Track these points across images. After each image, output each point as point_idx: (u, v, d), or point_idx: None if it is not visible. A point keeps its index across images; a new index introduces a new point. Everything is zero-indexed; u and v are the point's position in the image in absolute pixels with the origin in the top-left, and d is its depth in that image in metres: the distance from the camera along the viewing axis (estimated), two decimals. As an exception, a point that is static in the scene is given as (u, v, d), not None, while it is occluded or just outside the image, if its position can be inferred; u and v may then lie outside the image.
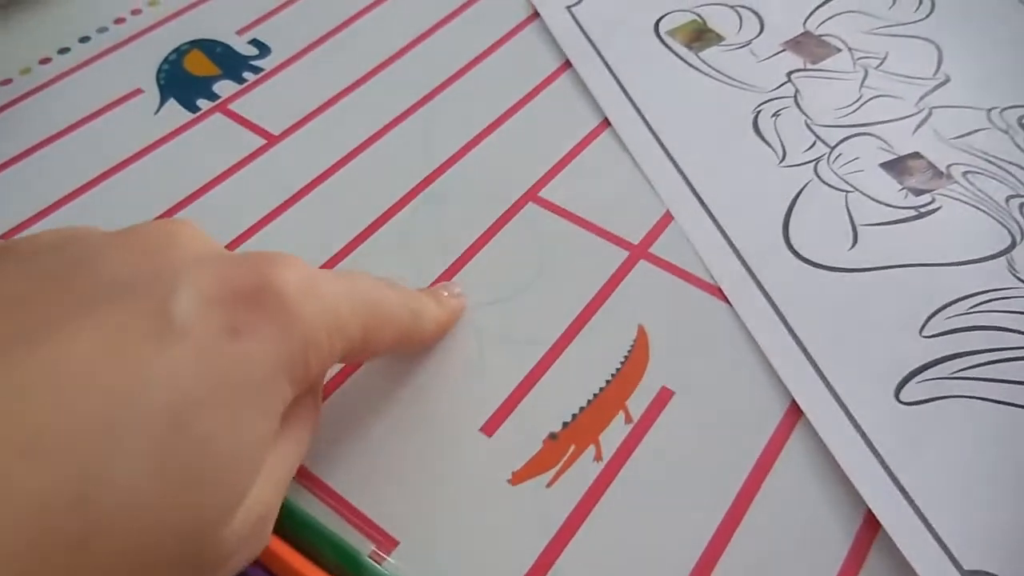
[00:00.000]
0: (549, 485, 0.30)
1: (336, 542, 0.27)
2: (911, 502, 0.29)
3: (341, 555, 0.27)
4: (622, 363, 0.34)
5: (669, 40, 0.49)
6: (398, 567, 0.27)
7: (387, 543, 0.29)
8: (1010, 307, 0.36)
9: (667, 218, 0.39)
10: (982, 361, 0.34)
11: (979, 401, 0.32)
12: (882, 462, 0.30)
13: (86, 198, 0.41)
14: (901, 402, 0.32)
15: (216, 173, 0.42)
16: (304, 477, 0.30)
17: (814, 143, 0.43)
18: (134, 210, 0.40)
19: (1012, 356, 0.34)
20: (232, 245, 0.38)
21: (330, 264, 0.38)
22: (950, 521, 0.29)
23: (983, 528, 0.29)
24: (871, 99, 0.46)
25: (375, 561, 0.27)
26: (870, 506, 0.29)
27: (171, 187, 0.41)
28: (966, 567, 0.28)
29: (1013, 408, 0.32)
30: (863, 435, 0.31)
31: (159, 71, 0.48)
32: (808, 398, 0.32)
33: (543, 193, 0.40)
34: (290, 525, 0.27)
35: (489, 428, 0.32)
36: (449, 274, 0.37)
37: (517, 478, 0.30)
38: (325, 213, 0.40)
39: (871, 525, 0.29)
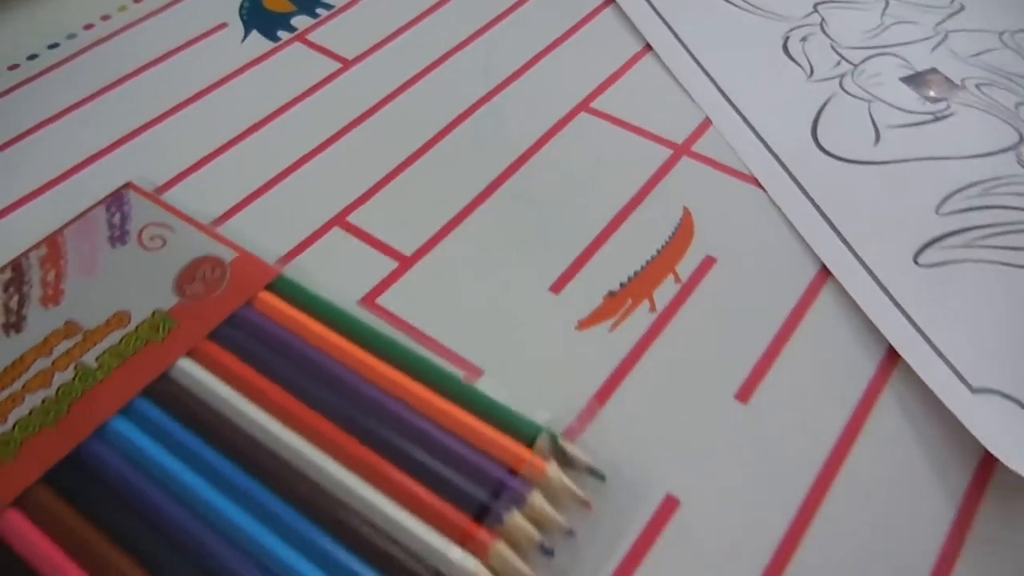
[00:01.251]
0: (611, 330, 0.35)
1: (437, 368, 0.32)
2: (925, 338, 0.34)
3: (442, 377, 0.32)
4: (671, 236, 0.38)
5: (704, -23, 0.54)
6: (488, 386, 0.32)
7: (474, 372, 0.33)
8: (1016, 191, 0.40)
9: (706, 123, 0.44)
10: (990, 233, 0.38)
11: (987, 264, 0.37)
12: (900, 308, 0.35)
13: (181, 116, 0.46)
14: (919, 264, 0.37)
15: (296, 94, 0.47)
16: (406, 327, 0.35)
17: (839, 62, 0.47)
18: (224, 127, 0.45)
19: (1016, 229, 0.38)
20: (309, 156, 0.43)
21: (401, 167, 0.42)
22: (959, 351, 0.33)
23: (988, 356, 0.33)
24: (892, 25, 0.50)
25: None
26: (890, 341, 0.34)
27: (256, 107, 0.46)
28: (975, 385, 0.32)
29: (1016, 268, 0.36)
30: (883, 288, 0.36)
31: (241, 8, 0.53)
32: (836, 262, 0.37)
33: (595, 104, 0.45)
34: (399, 357, 0.32)
35: (556, 287, 0.36)
36: (511, 170, 0.42)
37: (583, 325, 0.35)
38: (396, 126, 0.45)
39: (892, 358, 0.34)
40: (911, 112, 0.44)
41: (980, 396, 0.32)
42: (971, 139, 0.42)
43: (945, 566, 0.28)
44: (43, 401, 0.31)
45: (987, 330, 0.34)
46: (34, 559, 0.27)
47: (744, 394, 0.33)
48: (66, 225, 0.38)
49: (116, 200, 0.39)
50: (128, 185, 0.40)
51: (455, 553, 0.27)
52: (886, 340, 0.34)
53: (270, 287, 0.35)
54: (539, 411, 0.31)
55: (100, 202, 0.39)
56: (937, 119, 0.44)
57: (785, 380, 0.33)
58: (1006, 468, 0.30)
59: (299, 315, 0.34)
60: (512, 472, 0.29)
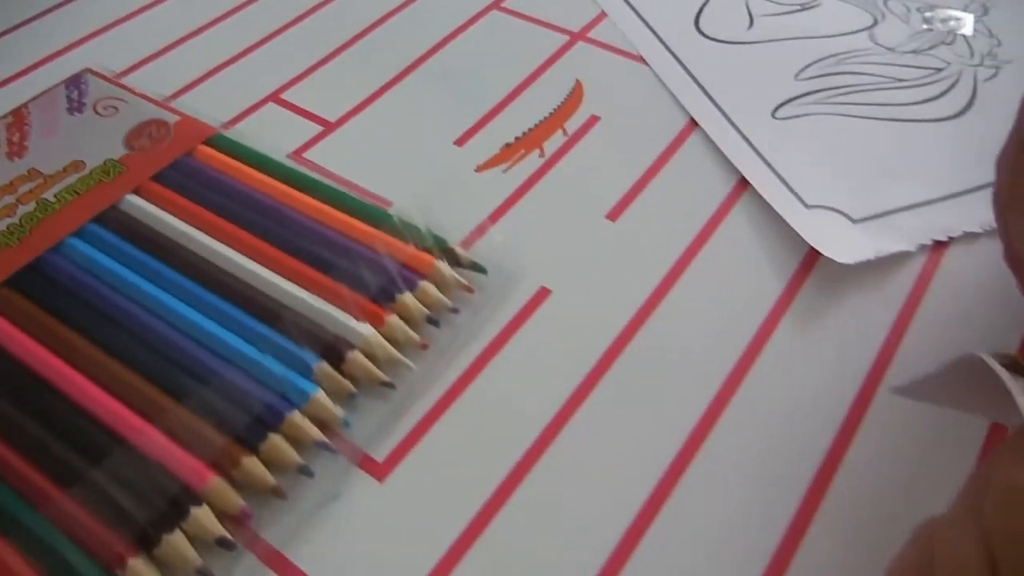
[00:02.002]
0: (505, 172, 0.40)
1: (350, 196, 0.37)
2: (772, 169, 0.39)
3: (354, 203, 0.37)
4: (562, 101, 0.44)
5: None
6: (397, 210, 0.37)
7: (385, 203, 0.39)
8: (865, 60, 0.46)
9: (601, 16, 0.49)
10: (837, 93, 0.44)
11: (832, 116, 0.42)
12: (754, 148, 0.41)
13: (140, 17, 0.51)
14: (776, 118, 0.42)
15: None
16: (327, 173, 0.40)
17: (725, -32, 0.53)
18: (177, 25, 0.50)
19: (859, 90, 0.44)
20: (253, 48, 0.48)
21: (332, 55, 0.47)
22: (799, 178, 0.39)
23: (823, 182, 0.39)
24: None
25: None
26: (742, 171, 0.39)
27: (208, 10, 0.51)
28: (809, 202, 0.38)
29: (854, 118, 0.42)
30: (742, 135, 0.41)
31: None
32: (704, 117, 0.43)
33: (505, 4, 0.51)
34: (316, 189, 0.38)
35: (460, 142, 0.42)
36: (428, 55, 0.47)
37: (480, 168, 0.41)
38: (331, 21, 0.50)
39: (742, 186, 0.39)
40: (782, 4, 0.50)
41: (812, 210, 0.38)
42: (832, 23, 0.48)
43: (772, 322, 0.34)
44: (7, 227, 0.36)
45: (824, 163, 0.40)
46: (10, 344, 0.33)
47: (614, 214, 0.38)
48: (30, 100, 0.43)
49: (75, 81, 0.44)
50: (87, 70, 0.45)
51: (354, 322, 0.32)
52: (739, 173, 0.40)
53: (209, 143, 0.40)
54: (436, 230, 0.36)
55: (61, 82, 0.44)
56: (804, 9, 0.49)
57: (650, 204, 0.39)
58: (827, 261, 0.36)
59: (232, 162, 0.39)
60: (407, 268, 0.35)
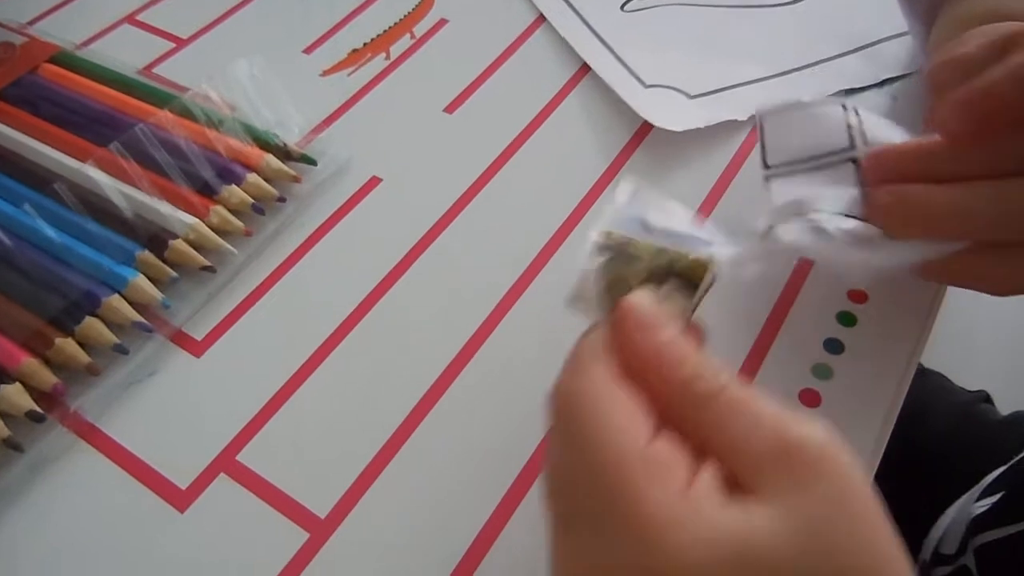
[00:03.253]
0: (349, 75, 0.41)
1: (191, 103, 0.38)
2: (615, 55, 0.40)
3: (197, 109, 0.38)
4: (413, 8, 0.44)
5: None
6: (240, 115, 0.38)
7: (229, 108, 0.39)
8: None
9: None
10: (685, -16, 0.44)
11: (676, 6, 0.43)
12: (599, 38, 0.41)
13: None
14: (624, 11, 0.43)
15: None
16: (172, 86, 0.41)
17: None
18: None
19: (709, -21, 0.44)
20: None
21: None
22: (640, 62, 0.40)
23: (663, 65, 0.39)
24: None
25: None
26: (584, 58, 0.40)
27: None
28: (647, 83, 0.38)
29: (704, 7, 0.43)
30: (588, 26, 0.42)
31: None
32: (551, 10, 0.43)
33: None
34: (160, 98, 0.38)
35: (308, 50, 0.42)
36: None
37: (325, 73, 0.41)
38: None
39: (583, 71, 0.40)
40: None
41: (650, 90, 0.38)
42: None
43: (596, 192, 0.35)
44: None
45: (667, 48, 0.41)
46: None
47: (452, 107, 0.39)
48: None
49: (-73, 10, 0.44)
50: (-61, 1, 0.45)
51: (179, 213, 0.33)
52: (578, 64, 0.40)
53: (55, 60, 0.41)
54: (278, 127, 0.37)
55: (-88, 13, 0.44)
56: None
57: (489, 97, 0.40)
58: (658, 135, 0.37)
59: (75, 77, 0.40)
60: (236, 162, 0.35)
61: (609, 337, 0.21)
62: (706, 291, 0.22)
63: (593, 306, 0.22)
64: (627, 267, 0.22)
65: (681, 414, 0.19)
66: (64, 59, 0.41)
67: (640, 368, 0.20)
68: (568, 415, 0.19)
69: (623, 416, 0.19)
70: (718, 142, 0.37)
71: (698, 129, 0.36)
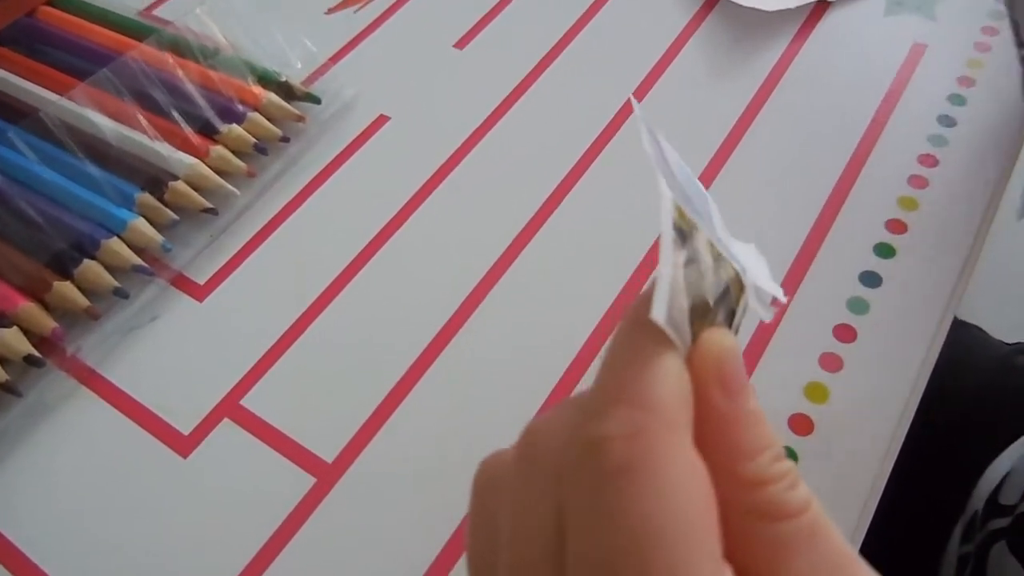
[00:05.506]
0: (355, 12, 0.39)
1: (192, 42, 0.36)
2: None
3: (196, 48, 0.36)
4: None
5: None
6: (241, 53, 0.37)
7: (228, 48, 0.38)
8: None
9: None
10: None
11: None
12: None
13: None
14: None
15: None
16: (176, 27, 0.39)
17: None
18: None
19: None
20: None
21: None
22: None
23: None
24: None
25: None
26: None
27: None
28: None
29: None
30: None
31: None
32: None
33: None
34: (161, 40, 0.37)
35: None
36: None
37: (331, 11, 0.39)
38: None
39: (597, 5, 0.38)
40: None
41: None
42: None
43: (615, 126, 0.33)
44: None
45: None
46: None
47: (462, 43, 0.37)
48: None
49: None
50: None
51: (179, 154, 0.32)
52: (595, -7, 0.38)
53: (53, 3, 0.39)
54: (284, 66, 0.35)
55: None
56: None
57: (498, 32, 0.37)
58: (680, 63, 0.34)
59: (73, 19, 0.38)
60: (238, 101, 0.34)
61: (691, 385, 0.14)
62: (743, 315, 0.16)
63: (684, 333, 0.15)
64: (702, 279, 0.15)
65: (739, 523, 0.14)
66: (61, 2, 0.40)
67: (710, 442, 0.14)
68: (612, 477, 0.13)
69: (701, 509, 0.13)
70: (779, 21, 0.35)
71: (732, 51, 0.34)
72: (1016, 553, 0.39)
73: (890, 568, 0.52)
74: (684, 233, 0.15)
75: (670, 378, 0.14)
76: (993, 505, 0.44)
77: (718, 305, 0.16)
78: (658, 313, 0.14)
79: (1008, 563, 0.39)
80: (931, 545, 0.48)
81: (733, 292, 0.16)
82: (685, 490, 0.13)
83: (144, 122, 0.33)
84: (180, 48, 0.36)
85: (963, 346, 0.56)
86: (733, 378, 0.14)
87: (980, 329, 0.58)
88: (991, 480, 0.46)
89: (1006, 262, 0.88)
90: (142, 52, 0.36)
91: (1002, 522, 0.41)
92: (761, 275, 0.17)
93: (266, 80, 0.35)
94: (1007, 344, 0.56)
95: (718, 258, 0.16)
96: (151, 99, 0.34)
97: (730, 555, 0.13)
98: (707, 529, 0.13)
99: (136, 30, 0.38)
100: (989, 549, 0.42)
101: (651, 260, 0.29)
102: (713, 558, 0.13)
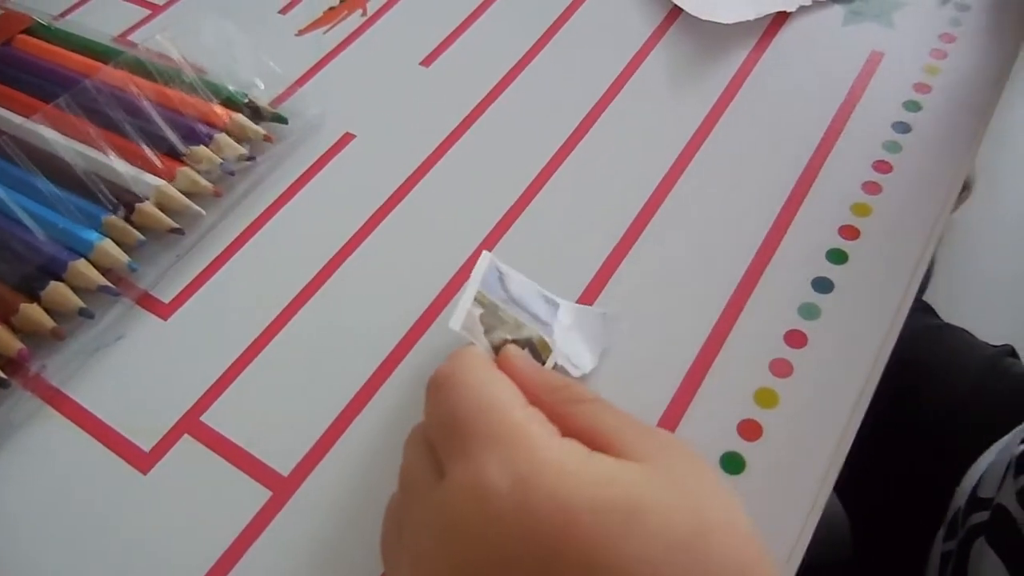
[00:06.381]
0: (324, 33, 0.40)
1: (160, 65, 0.37)
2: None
3: (161, 70, 0.37)
4: (392, -39, 0.43)
5: None
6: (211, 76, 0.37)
7: (200, 70, 0.38)
8: None
9: None
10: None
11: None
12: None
13: None
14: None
15: None
16: (158, 56, 0.40)
17: None
18: None
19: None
20: None
21: None
22: None
23: None
24: None
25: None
26: None
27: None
28: None
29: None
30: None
31: None
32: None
33: None
34: (130, 64, 0.37)
35: (285, 11, 0.41)
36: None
37: (301, 32, 0.40)
38: None
39: (560, 22, 0.38)
40: None
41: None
42: None
43: (572, 142, 0.33)
44: None
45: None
46: None
47: (428, 61, 0.38)
48: None
49: (-94, -11, 0.44)
50: (-81, -21, 0.45)
51: (146, 176, 0.33)
52: (557, 10, 0.39)
53: (29, 32, 0.40)
54: (251, 88, 0.36)
55: None
56: None
57: (465, 49, 0.38)
58: (636, 81, 0.35)
59: (49, 47, 0.39)
60: (204, 122, 0.34)
61: (495, 363, 0.23)
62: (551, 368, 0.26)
63: (479, 339, 0.24)
64: (499, 325, 0.25)
65: (557, 410, 0.21)
66: (39, 30, 0.41)
67: (524, 384, 0.22)
68: (451, 382, 0.21)
69: (504, 383, 0.22)
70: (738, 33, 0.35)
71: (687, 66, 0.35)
72: (994, 545, 0.39)
73: (879, 569, 0.52)
74: (482, 303, 0.25)
75: (471, 348, 0.23)
76: (974, 500, 0.44)
77: (516, 343, 0.25)
78: (454, 324, 0.24)
79: (987, 556, 0.39)
80: (918, 545, 0.48)
81: (539, 347, 0.25)
82: (487, 379, 0.22)
83: (110, 145, 0.34)
84: (144, 71, 0.36)
85: (949, 348, 0.56)
86: (528, 358, 0.24)
87: (966, 331, 0.58)
88: (973, 477, 0.46)
89: (992, 266, 0.88)
90: (105, 75, 0.37)
91: (982, 516, 0.41)
92: (574, 351, 0.27)
93: (232, 102, 0.35)
94: (993, 346, 0.56)
95: (520, 325, 0.25)
96: (117, 122, 0.34)
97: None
98: (510, 394, 0.21)
99: (106, 54, 0.38)
100: (971, 545, 0.42)
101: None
102: (521, 405, 0.21)
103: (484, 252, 0.27)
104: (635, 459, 0.19)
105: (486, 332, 0.24)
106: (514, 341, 0.25)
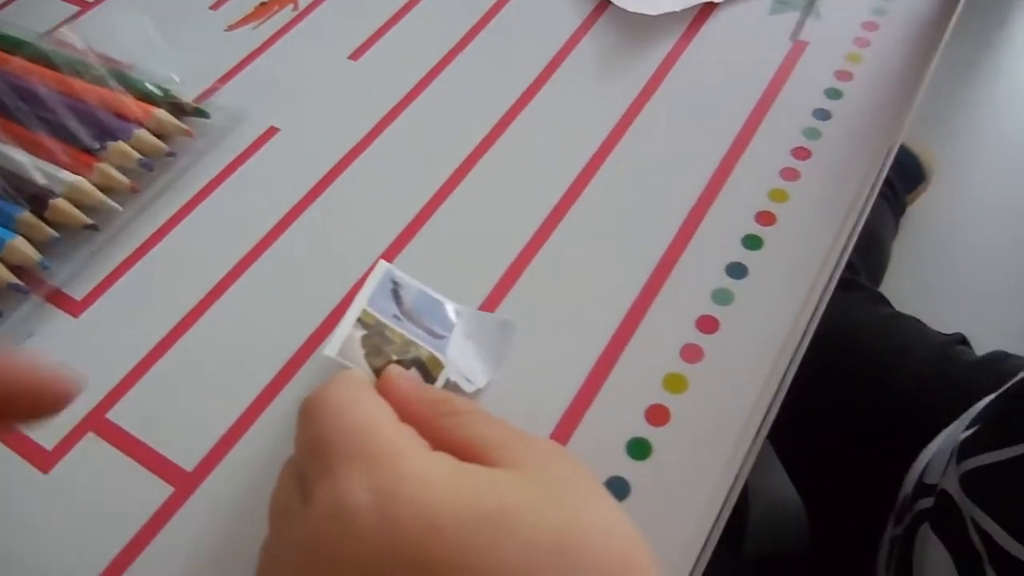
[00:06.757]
0: (254, 28, 0.39)
1: (86, 63, 0.37)
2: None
3: (86, 67, 0.36)
4: (325, -42, 0.43)
5: None
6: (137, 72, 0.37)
7: (127, 66, 0.38)
8: None
9: None
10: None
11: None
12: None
13: None
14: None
15: None
16: (91, 54, 0.39)
17: None
18: None
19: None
20: None
21: None
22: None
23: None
24: None
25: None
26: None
27: None
28: None
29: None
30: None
31: None
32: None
33: None
34: (53, 61, 0.37)
35: (216, 7, 0.41)
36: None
37: (231, 27, 0.40)
38: None
39: (487, 17, 0.38)
40: None
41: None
42: None
43: (496, 134, 0.33)
44: None
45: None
46: None
47: (357, 55, 0.37)
48: None
49: None
50: None
51: (61, 172, 0.32)
52: (485, 7, 0.39)
53: (-43, 31, 0.40)
54: (168, 83, 0.36)
55: None
56: None
57: (394, 42, 0.38)
58: (560, 74, 0.35)
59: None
60: (123, 117, 0.34)
61: (375, 385, 0.23)
62: (442, 385, 0.25)
63: (358, 363, 0.24)
64: (385, 345, 0.25)
65: (433, 423, 0.21)
66: (-34, 30, 0.40)
67: (401, 402, 0.22)
68: (319, 405, 0.21)
69: (375, 402, 0.21)
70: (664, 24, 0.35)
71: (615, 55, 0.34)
72: (937, 531, 0.39)
73: (833, 556, 0.52)
74: (366, 324, 0.25)
75: (347, 373, 0.23)
76: (920, 486, 0.44)
77: (404, 364, 0.25)
78: (330, 351, 0.24)
79: (931, 540, 0.39)
80: (870, 532, 0.48)
81: (428, 365, 0.25)
82: (356, 399, 0.21)
83: (20, 139, 0.33)
84: (58, 65, 0.36)
85: (900, 336, 0.57)
86: (409, 376, 0.24)
87: (917, 320, 0.58)
88: (921, 464, 0.46)
89: (944, 255, 0.89)
90: (14, 67, 0.36)
91: (927, 502, 0.41)
92: (468, 365, 0.26)
93: (152, 97, 0.35)
94: (943, 334, 0.57)
95: (408, 343, 0.25)
96: (27, 116, 0.34)
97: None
98: (379, 413, 0.21)
99: (35, 53, 0.38)
100: (916, 531, 0.42)
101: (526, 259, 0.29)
102: (391, 422, 0.21)
103: (381, 262, 0.27)
104: (509, 467, 0.19)
105: (369, 354, 0.24)
106: (399, 362, 0.24)
